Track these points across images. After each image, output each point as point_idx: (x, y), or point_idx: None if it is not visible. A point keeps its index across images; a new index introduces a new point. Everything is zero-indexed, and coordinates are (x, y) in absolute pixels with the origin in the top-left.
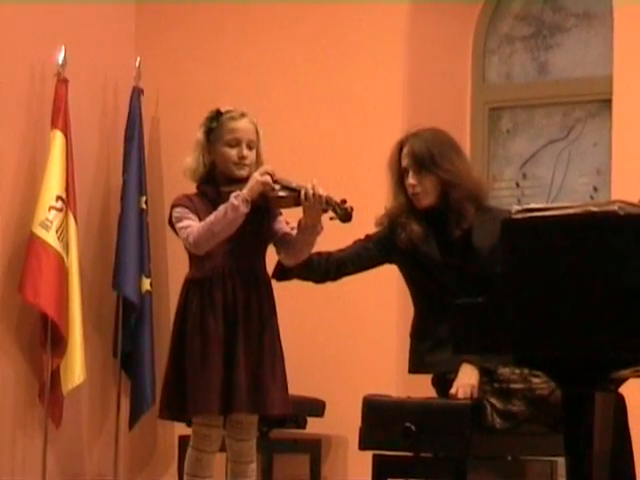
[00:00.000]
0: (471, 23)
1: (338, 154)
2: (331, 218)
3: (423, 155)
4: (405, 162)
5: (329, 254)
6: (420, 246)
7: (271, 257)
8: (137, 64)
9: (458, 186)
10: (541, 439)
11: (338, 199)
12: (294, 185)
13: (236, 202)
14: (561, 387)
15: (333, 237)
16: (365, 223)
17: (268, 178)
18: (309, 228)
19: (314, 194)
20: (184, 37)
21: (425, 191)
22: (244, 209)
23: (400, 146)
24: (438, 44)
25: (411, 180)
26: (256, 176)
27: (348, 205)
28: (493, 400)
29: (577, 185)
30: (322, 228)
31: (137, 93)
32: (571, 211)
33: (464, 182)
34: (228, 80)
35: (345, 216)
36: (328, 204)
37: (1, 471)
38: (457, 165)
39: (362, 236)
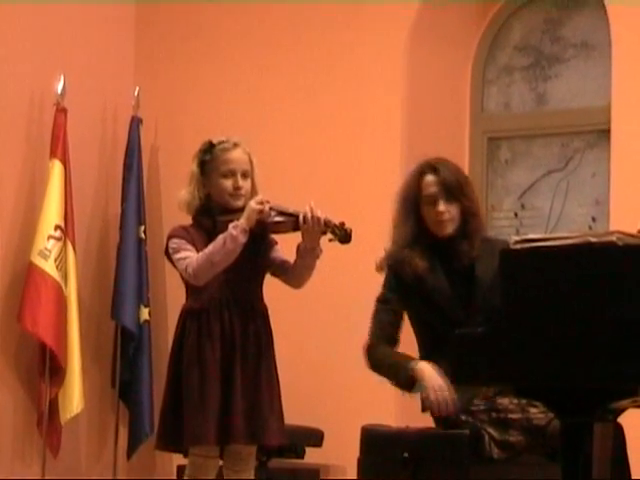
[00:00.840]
0: (470, 53)
1: (336, 181)
2: (330, 240)
3: (453, 183)
4: (433, 190)
5: (393, 346)
6: (427, 279)
7: (268, 286)
8: (136, 93)
9: (477, 215)
10: (539, 469)
11: (337, 221)
12: (291, 210)
13: (235, 232)
14: (560, 417)
15: (333, 260)
16: (363, 245)
17: (265, 205)
18: (309, 252)
19: (312, 216)
20: (183, 66)
21: (452, 219)
22: (242, 239)
23: (420, 174)
24: (437, 73)
25: (442, 207)
26: (252, 205)
27: (347, 227)
28: (491, 430)
29: (576, 215)
30: (321, 251)
31: (136, 122)
32: (570, 241)
33: (480, 212)
34: (227, 109)
35: (344, 237)
36: (327, 226)
37: None
38: (476, 196)
39: (361, 259)
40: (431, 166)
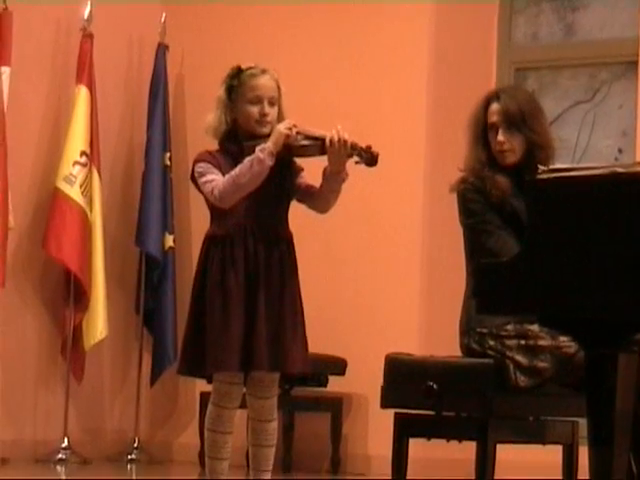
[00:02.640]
0: None
1: (363, 110)
2: (356, 162)
3: (515, 114)
4: (495, 118)
5: None
6: (511, 199)
7: (293, 214)
8: (162, 20)
9: (543, 148)
10: (563, 400)
11: (363, 145)
12: (318, 134)
13: (262, 155)
14: (584, 348)
15: (359, 188)
16: (390, 173)
17: (292, 130)
18: (335, 175)
19: (339, 139)
20: None
21: (512, 149)
22: (269, 162)
23: (487, 102)
24: (465, 3)
25: (500, 137)
26: (279, 128)
27: (374, 150)
28: (518, 357)
29: (602, 147)
30: (347, 175)
31: (162, 49)
32: (597, 172)
33: (549, 144)
34: (254, 37)
35: (371, 160)
36: (353, 149)
37: (23, 425)
38: (544, 127)
39: (388, 181)
40: (496, 94)
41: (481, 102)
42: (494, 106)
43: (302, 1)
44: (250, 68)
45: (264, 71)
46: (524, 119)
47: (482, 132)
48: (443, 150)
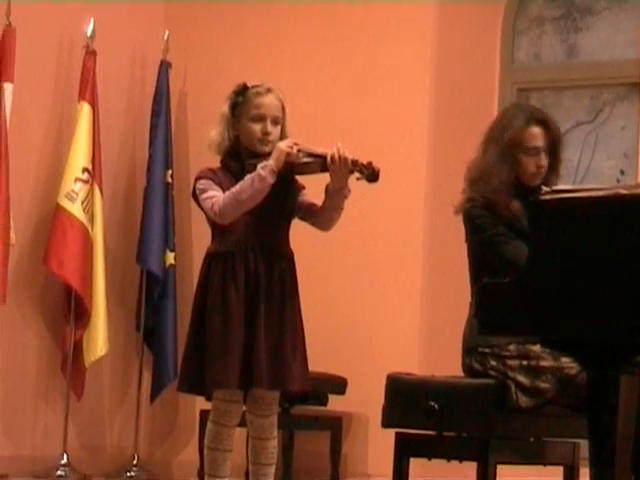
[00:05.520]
0: (501, 3)
1: (365, 130)
2: (358, 179)
3: (557, 140)
4: (540, 143)
5: None
6: (522, 219)
7: (294, 232)
8: (165, 37)
9: (558, 174)
10: (564, 421)
11: (364, 161)
12: (319, 151)
13: (263, 173)
14: (586, 369)
15: (360, 205)
16: (390, 190)
17: (293, 148)
18: (337, 192)
19: (340, 156)
20: (213, 11)
21: (545, 172)
22: (271, 180)
23: (527, 123)
24: (468, 23)
25: (544, 162)
26: (280, 146)
27: (375, 166)
28: (520, 378)
29: (604, 168)
30: (349, 191)
31: (165, 67)
32: (600, 193)
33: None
34: (256, 56)
35: (372, 176)
36: (354, 165)
37: (22, 442)
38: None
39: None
40: (540, 118)
41: (518, 122)
42: (536, 130)
43: (304, 18)
44: (256, 86)
45: (269, 90)
46: (560, 147)
47: (514, 152)
48: (445, 169)
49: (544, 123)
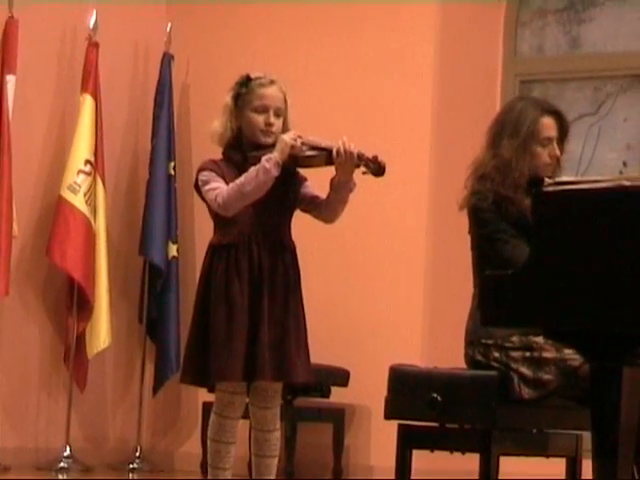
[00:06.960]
0: None
1: (368, 122)
2: (364, 173)
3: (567, 130)
4: (554, 132)
5: None
6: (528, 217)
7: (297, 224)
8: (168, 30)
9: (561, 168)
10: (567, 412)
11: (370, 155)
12: (323, 144)
13: (268, 165)
14: (589, 360)
15: (363, 197)
16: (393, 183)
17: (296, 140)
18: (342, 185)
19: (345, 150)
20: (215, 3)
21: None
22: (275, 172)
23: (540, 114)
24: (470, 15)
25: (558, 152)
26: (285, 138)
27: (381, 160)
28: (523, 369)
29: (607, 160)
30: (355, 185)
31: (168, 59)
32: (603, 185)
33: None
34: (259, 48)
35: (378, 170)
36: (360, 159)
37: (25, 433)
38: None
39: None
40: (551, 109)
41: (531, 114)
42: (550, 120)
43: (307, 11)
44: (259, 77)
45: (272, 82)
46: (565, 138)
47: (529, 144)
48: (448, 161)
49: (556, 113)
